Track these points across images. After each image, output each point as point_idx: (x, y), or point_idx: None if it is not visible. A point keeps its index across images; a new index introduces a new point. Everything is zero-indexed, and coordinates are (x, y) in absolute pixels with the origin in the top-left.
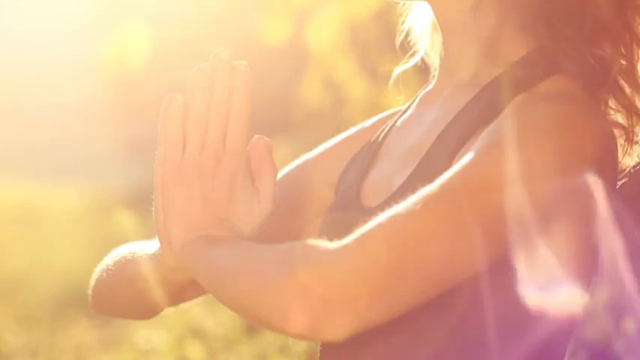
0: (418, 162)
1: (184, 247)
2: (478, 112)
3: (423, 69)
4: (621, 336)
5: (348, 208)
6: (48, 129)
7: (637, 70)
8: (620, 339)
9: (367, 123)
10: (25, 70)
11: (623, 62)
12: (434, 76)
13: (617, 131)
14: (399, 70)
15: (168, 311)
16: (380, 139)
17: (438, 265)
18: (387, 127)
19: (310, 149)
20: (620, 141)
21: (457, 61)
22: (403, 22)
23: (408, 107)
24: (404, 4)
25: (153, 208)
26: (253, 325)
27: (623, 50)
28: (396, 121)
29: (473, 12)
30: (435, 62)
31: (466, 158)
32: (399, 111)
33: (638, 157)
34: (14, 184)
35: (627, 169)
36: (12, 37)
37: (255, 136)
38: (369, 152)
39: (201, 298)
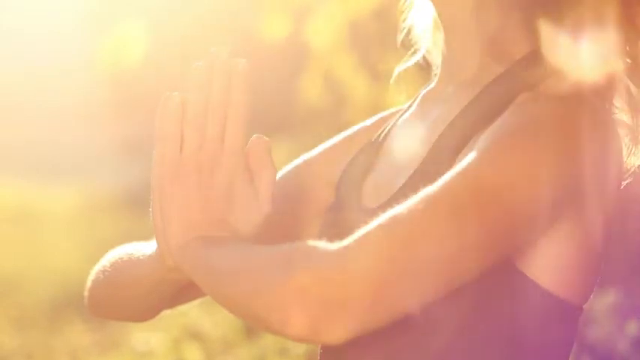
0: (420, 162)
1: (182, 247)
2: (480, 112)
3: (424, 67)
4: (624, 338)
5: (348, 209)
6: (45, 128)
7: None
8: (624, 341)
9: (368, 122)
10: (23, 69)
11: (628, 60)
12: (436, 74)
13: (621, 130)
14: (400, 68)
15: (166, 313)
16: (381, 139)
17: (439, 267)
18: (389, 127)
19: (310, 149)
20: (625, 140)
21: (459, 60)
22: (404, 20)
23: (410, 106)
24: (405, 1)
25: (150, 209)
26: (252, 327)
27: (628, 48)
28: (397, 121)
29: (475, 10)
30: (436, 60)
31: (468, 158)
32: (400, 110)
33: None
34: (10, 183)
35: (632, 169)
36: (10, 35)
37: (254, 136)
38: (369, 152)
39: (200, 299)
